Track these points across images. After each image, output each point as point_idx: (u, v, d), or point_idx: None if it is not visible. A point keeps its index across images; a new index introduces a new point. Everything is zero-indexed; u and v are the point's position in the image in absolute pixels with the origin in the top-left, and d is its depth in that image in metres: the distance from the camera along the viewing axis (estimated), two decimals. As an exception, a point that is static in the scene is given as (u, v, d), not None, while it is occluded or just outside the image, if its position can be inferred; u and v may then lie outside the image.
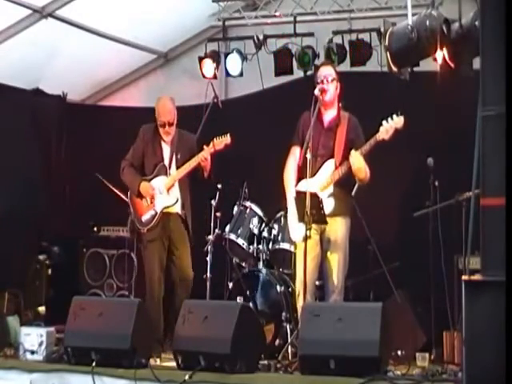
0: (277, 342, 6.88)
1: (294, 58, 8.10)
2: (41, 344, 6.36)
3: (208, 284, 7.16)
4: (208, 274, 7.19)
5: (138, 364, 5.90)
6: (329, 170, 6.50)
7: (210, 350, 5.66)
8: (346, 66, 7.83)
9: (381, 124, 6.34)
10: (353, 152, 6.37)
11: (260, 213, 7.44)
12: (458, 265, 6.95)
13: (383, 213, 7.78)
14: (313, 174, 6.37)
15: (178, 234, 7.18)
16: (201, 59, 8.41)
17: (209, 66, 8.35)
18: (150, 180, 7.19)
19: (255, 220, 7.40)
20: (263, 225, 7.39)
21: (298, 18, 8.14)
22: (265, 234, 7.32)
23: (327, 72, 6.59)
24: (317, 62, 7.87)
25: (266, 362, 6.07)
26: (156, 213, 7.13)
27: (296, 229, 6.46)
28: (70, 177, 9.38)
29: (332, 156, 6.54)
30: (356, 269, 6.92)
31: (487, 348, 4.49)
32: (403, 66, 6.16)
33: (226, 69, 8.43)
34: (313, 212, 6.17)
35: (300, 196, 6.28)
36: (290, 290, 7.04)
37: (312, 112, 6.36)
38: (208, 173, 7.16)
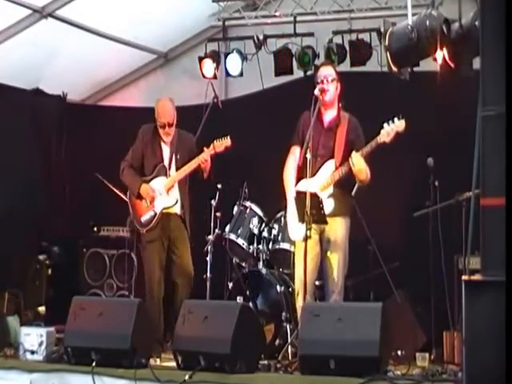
0: (277, 342, 6.87)
1: (293, 58, 8.10)
2: (41, 344, 6.35)
3: (208, 284, 7.17)
4: (208, 274, 7.19)
5: (138, 364, 5.89)
6: (329, 171, 6.50)
7: (209, 349, 5.66)
8: (345, 66, 7.83)
9: (382, 127, 6.33)
10: (353, 154, 6.35)
11: (260, 213, 7.44)
12: (457, 265, 6.95)
13: (383, 213, 7.77)
14: (313, 174, 6.36)
15: (179, 234, 7.17)
16: (201, 59, 8.41)
17: (209, 66, 8.36)
18: (149, 181, 7.18)
19: (255, 220, 7.40)
20: (263, 225, 7.39)
21: (298, 18, 8.14)
22: (265, 234, 7.31)
23: (327, 72, 6.58)
24: (317, 62, 7.88)
25: (265, 361, 6.07)
26: (155, 213, 7.12)
27: (296, 229, 6.45)
28: (69, 177, 9.37)
29: (332, 156, 6.53)
30: (356, 269, 6.92)
31: (487, 348, 4.49)
32: (403, 66, 6.16)
33: (225, 69, 8.43)
34: (313, 212, 6.16)
35: (300, 196, 6.28)
36: (289, 289, 7.03)
37: (312, 112, 6.35)
38: (208, 174, 7.16)
